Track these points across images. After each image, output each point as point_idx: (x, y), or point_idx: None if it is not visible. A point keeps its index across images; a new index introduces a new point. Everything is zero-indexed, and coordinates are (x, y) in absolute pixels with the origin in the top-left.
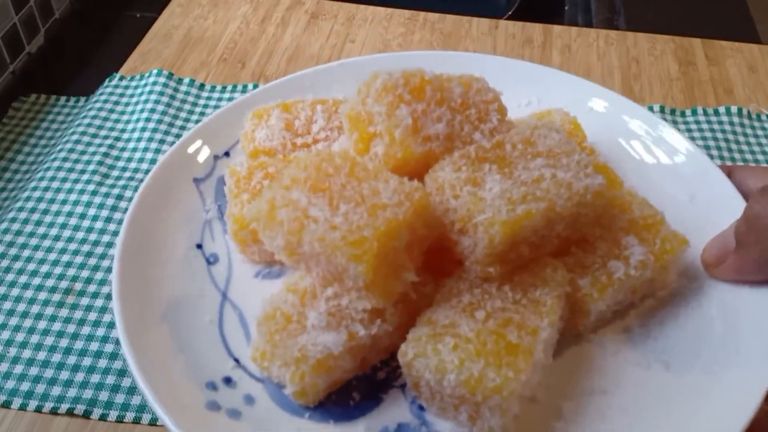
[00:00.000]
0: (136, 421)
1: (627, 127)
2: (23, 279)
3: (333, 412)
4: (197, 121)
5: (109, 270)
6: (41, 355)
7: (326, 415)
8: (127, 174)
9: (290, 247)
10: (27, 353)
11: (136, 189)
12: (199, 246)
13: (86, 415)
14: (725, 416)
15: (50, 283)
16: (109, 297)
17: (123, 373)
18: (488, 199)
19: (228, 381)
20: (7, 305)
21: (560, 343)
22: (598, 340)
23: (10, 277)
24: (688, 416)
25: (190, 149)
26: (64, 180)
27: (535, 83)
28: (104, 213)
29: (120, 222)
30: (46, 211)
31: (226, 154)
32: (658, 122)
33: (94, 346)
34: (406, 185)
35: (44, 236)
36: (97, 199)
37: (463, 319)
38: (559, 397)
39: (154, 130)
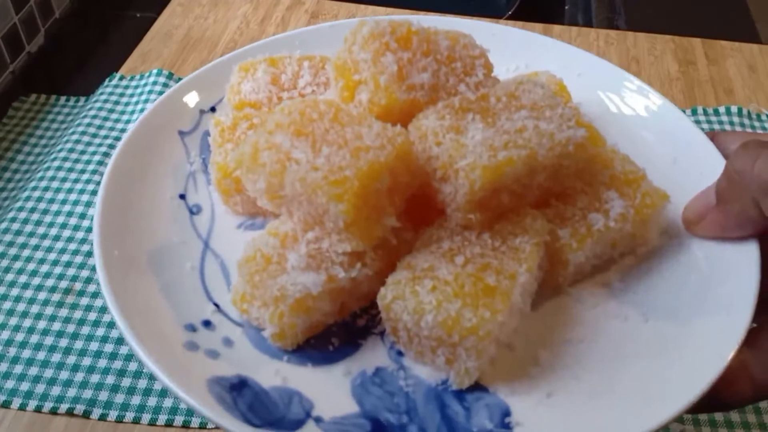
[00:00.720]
0: (136, 421)
1: (613, 91)
2: (23, 279)
3: (312, 355)
4: None
5: None
6: (41, 355)
7: (305, 358)
8: None
9: (272, 190)
10: (27, 353)
11: None
12: (182, 196)
13: (86, 415)
14: (700, 365)
15: (50, 283)
16: None
17: (123, 373)
18: (470, 145)
19: (207, 324)
20: (7, 305)
21: (539, 295)
22: (578, 293)
23: (9, 276)
24: (664, 364)
25: (176, 101)
26: (64, 180)
27: (524, 49)
28: None
29: None
30: (46, 211)
31: (212, 109)
32: (647, 90)
33: (93, 346)
34: (390, 130)
35: (44, 236)
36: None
37: (442, 263)
38: (536, 345)
39: None
